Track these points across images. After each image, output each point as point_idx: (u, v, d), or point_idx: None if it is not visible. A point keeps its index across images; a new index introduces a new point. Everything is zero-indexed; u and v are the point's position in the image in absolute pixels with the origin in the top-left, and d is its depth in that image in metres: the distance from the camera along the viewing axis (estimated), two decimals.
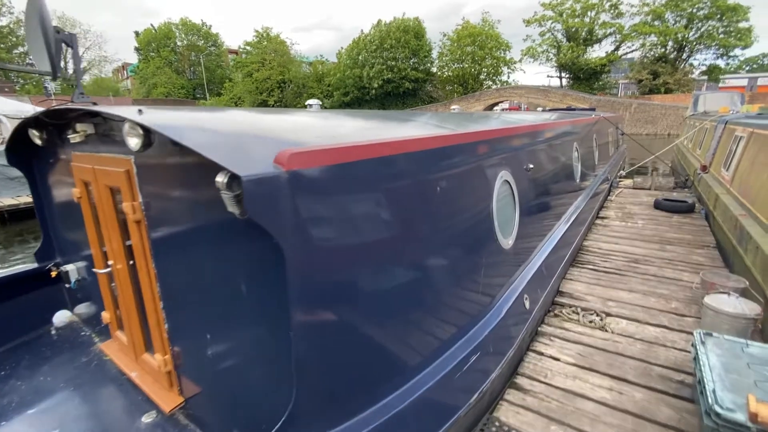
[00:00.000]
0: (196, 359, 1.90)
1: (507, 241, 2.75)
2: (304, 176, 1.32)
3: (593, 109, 14.98)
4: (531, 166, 3.36)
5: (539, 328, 3.21)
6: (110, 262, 2.22)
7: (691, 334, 2.99)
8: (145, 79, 59.45)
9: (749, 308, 2.78)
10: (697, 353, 2.20)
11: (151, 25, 61.42)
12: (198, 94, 64.68)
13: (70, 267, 2.63)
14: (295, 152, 1.30)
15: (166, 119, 1.66)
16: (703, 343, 2.24)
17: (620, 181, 8.97)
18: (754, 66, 60.67)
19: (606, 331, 3.16)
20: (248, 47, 55.39)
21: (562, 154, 4.93)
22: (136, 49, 63.29)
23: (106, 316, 2.52)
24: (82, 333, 2.74)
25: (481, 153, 2.57)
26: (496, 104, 43.29)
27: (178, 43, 62.09)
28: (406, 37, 45.53)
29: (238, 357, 1.71)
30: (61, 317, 2.84)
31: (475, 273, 2.31)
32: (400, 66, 45.79)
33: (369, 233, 1.59)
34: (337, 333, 1.49)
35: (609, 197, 7.83)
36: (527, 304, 2.81)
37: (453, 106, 5.98)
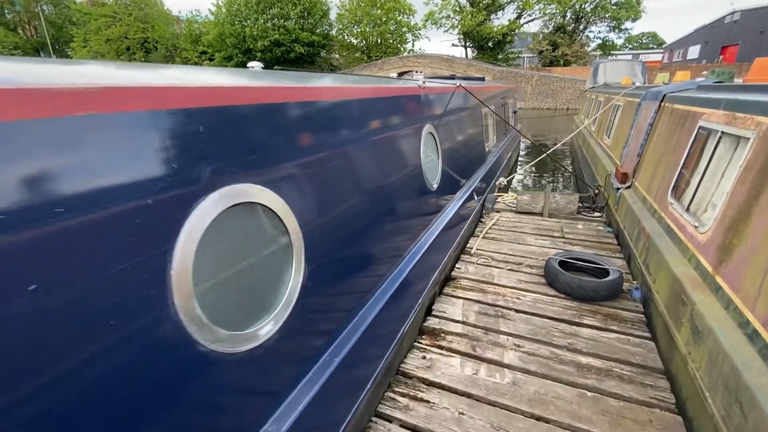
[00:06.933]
0: None
1: None
2: None
3: (482, 79, 11.72)
4: None
5: None
6: None
7: None
8: None
9: None
10: None
11: None
12: (45, 55, 51.23)
13: None
14: None
15: None
16: None
17: (498, 197, 5.40)
18: (635, 45, 65.32)
19: None
20: None
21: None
22: None
23: None
24: None
25: None
26: (404, 74, 39.53)
27: None
28: None
29: None
30: None
31: None
32: (290, 27, 39.29)
33: None
34: None
35: (472, 240, 4.16)
36: None
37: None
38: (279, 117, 1.58)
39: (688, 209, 2.80)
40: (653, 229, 3.16)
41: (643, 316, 2.79)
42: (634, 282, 3.14)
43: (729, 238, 2.14)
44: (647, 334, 2.58)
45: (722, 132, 2.60)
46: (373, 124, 2.35)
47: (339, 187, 1.95)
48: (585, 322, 2.72)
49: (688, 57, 38.03)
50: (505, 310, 2.88)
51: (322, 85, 2.01)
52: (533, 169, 10.47)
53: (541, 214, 4.83)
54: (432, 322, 2.75)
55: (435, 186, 3.44)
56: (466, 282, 3.31)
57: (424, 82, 3.23)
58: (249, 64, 2.64)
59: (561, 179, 9.82)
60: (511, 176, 7.04)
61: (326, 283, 1.80)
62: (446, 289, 3.20)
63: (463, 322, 2.74)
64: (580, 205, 4.93)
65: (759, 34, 27.21)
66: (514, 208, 5.05)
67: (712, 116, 2.82)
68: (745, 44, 28.87)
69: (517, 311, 2.88)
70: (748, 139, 2.21)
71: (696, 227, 2.54)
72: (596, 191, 5.21)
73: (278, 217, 1.46)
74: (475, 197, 4.64)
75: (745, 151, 2.21)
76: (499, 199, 5.33)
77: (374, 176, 2.32)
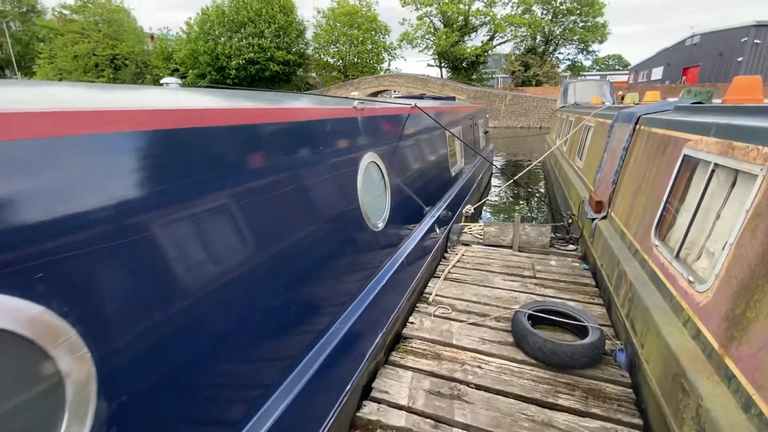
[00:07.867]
0: None
1: None
2: None
3: (453, 98, 11.50)
4: None
5: None
6: None
7: None
8: None
9: None
10: None
11: None
12: (10, 72, 49.15)
13: None
14: None
15: None
16: None
17: (464, 228, 4.88)
18: (603, 66, 68.42)
19: None
20: (66, 11, 42.61)
21: None
22: None
23: None
24: None
25: None
26: (380, 93, 39.50)
27: None
28: (271, 10, 38.76)
29: None
30: None
31: None
32: (265, 45, 38.90)
33: None
34: None
35: (432, 282, 3.58)
36: None
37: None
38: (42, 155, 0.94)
39: (677, 255, 2.30)
40: (636, 276, 2.66)
41: (630, 390, 2.24)
42: (618, 342, 2.60)
43: (740, 307, 1.63)
44: (638, 421, 2.03)
45: (716, 164, 2.13)
46: (269, 159, 1.75)
47: (201, 253, 1.33)
48: (561, 402, 2.15)
49: (653, 78, 39.60)
50: (462, 387, 2.28)
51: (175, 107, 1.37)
52: (504, 193, 10.11)
53: (510, 248, 4.32)
54: (368, 410, 2.12)
55: (381, 225, 2.86)
56: (418, 344, 2.71)
57: (362, 102, 2.68)
58: (163, 80, 2.29)
59: (535, 203, 9.46)
60: (481, 202, 6.56)
61: (166, 407, 1.16)
62: (393, 355, 2.59)
63: (408, 409, 2.13)
64: (553, 236, 4.46)
65: (718, 56, 28.51)
66: (481, 240, 4.52)
67: (700, 144, 2.37)
68: (706, 65, 30.21)
69: (477, 387, 2.28)
70: (756, 176, 1.73)
71: (691, 282, 2.04)
72: (570, 220, 4.76)
73: (30, 341, 0.83)
74: (437, 230, 4.10)
75: (752, 190, 1.73)
76: (466, 230, 4.80)
77: (273, 228, 1.71)
